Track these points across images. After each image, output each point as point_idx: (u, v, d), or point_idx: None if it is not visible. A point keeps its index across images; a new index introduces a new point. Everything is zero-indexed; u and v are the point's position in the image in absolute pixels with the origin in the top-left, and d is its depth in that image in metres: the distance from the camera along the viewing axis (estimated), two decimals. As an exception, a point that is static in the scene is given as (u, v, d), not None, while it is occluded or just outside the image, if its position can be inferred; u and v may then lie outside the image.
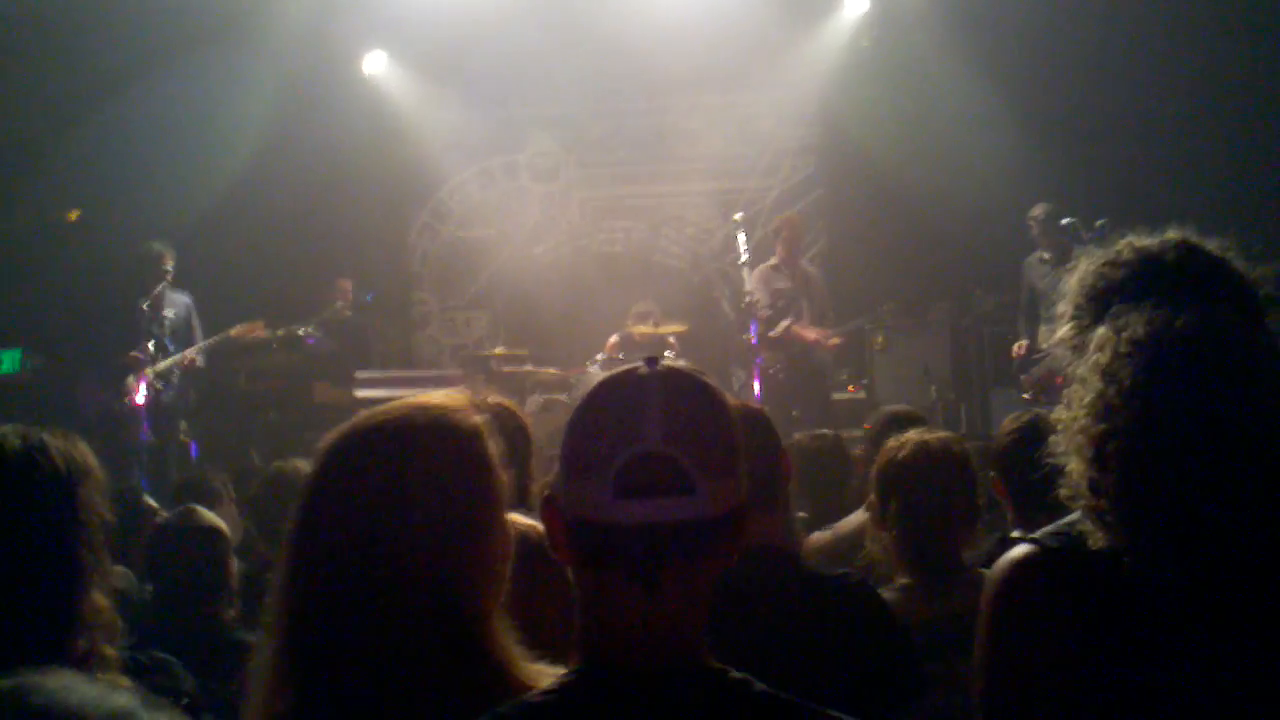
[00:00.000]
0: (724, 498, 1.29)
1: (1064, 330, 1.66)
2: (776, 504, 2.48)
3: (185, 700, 2.09)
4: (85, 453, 1.76)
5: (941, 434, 2.94)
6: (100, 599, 1.72)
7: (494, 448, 1.55)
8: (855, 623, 2.33)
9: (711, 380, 1.37)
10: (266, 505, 3.59)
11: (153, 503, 3.82)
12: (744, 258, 7.61)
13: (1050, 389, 7.81)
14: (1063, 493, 1.52)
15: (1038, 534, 1.58)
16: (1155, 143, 8.73)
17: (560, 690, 1.31)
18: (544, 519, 1.36)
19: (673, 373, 1.34)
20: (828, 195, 10.69)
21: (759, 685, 1.31)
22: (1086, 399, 1.50)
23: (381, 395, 8.29)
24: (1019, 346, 8.10)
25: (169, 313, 7.70)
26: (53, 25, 9.12)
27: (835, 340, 8.43)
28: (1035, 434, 2.96)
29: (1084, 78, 9.08)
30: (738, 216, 7.85)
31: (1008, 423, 3.18)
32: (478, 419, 1.55)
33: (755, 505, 1.43)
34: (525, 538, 1.97)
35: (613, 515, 1.26)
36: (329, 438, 1.54)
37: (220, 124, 9.69)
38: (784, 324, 8.15)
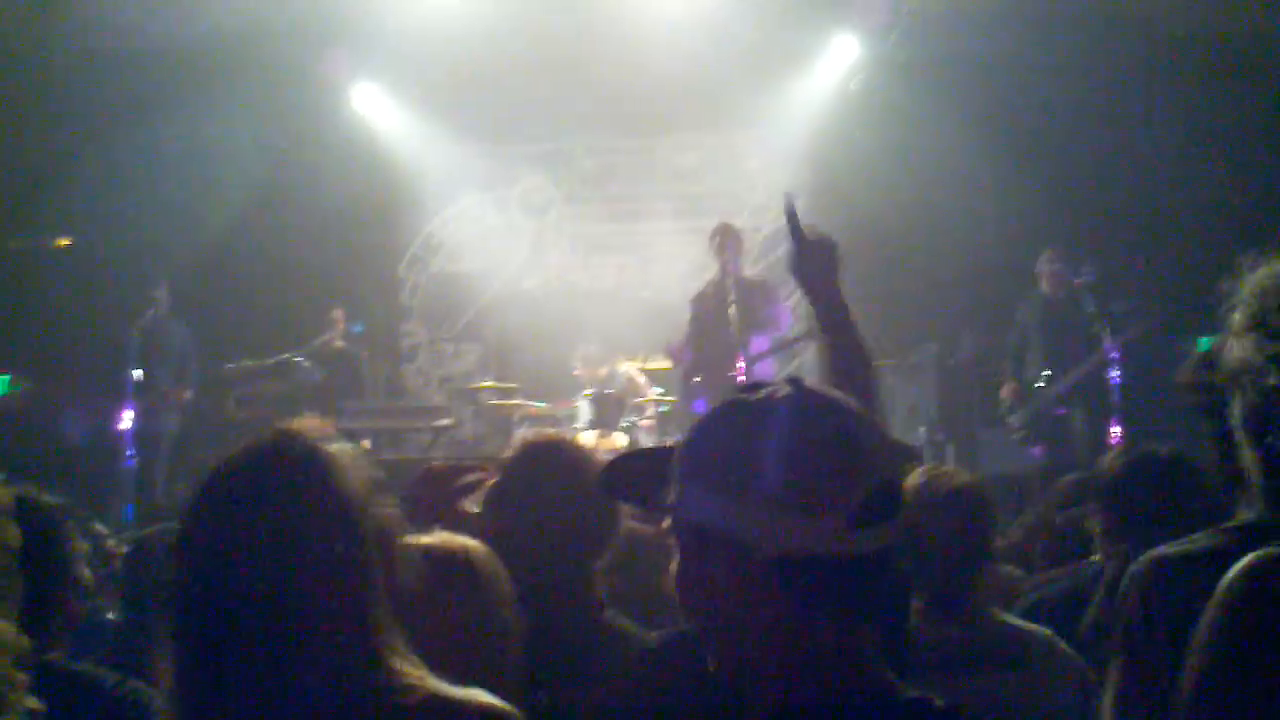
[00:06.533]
0: None
1: (1247, 341, 1.52)
2: None
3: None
4: None
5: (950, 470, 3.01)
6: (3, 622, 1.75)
7: (354, 472, 1.51)
8: None
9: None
10: None
11: (101, 528, 3.82)
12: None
13: (1040, 429, 7.81)
14: None
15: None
16: (1142, 187, 8.83)
17: None
18: (717, 561, 1.24)
19: (824, 396, 1.31)
20: (817, 235, 10.71)
21: (965, 713, 1.26)
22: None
23: (367, 426, 8.39)
24: (1007, 388, 8.13)
25: (166, 342, 7.70)
26: (55, 63, 9.19)
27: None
28: (1147, 467, 3.00)
29: (1070, 122, 9.18)
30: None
31: (1114, 454, 3.24)
32: (330, 445, 1.53)
33: None
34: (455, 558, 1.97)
35: (849, 547, 1.21)
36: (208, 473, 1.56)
37: (215, 158, 9.74)
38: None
